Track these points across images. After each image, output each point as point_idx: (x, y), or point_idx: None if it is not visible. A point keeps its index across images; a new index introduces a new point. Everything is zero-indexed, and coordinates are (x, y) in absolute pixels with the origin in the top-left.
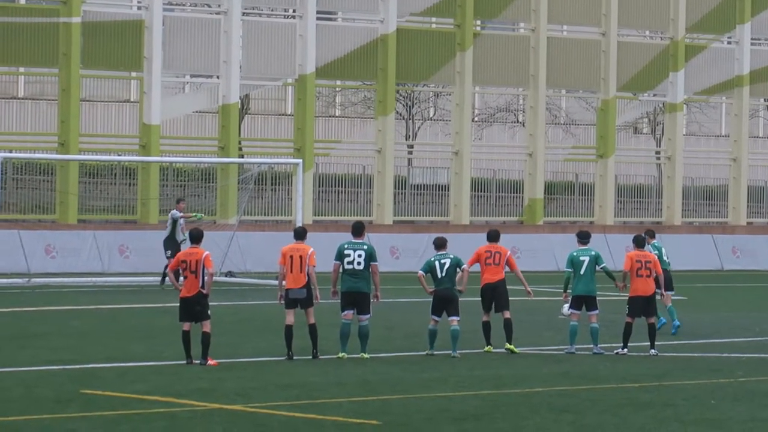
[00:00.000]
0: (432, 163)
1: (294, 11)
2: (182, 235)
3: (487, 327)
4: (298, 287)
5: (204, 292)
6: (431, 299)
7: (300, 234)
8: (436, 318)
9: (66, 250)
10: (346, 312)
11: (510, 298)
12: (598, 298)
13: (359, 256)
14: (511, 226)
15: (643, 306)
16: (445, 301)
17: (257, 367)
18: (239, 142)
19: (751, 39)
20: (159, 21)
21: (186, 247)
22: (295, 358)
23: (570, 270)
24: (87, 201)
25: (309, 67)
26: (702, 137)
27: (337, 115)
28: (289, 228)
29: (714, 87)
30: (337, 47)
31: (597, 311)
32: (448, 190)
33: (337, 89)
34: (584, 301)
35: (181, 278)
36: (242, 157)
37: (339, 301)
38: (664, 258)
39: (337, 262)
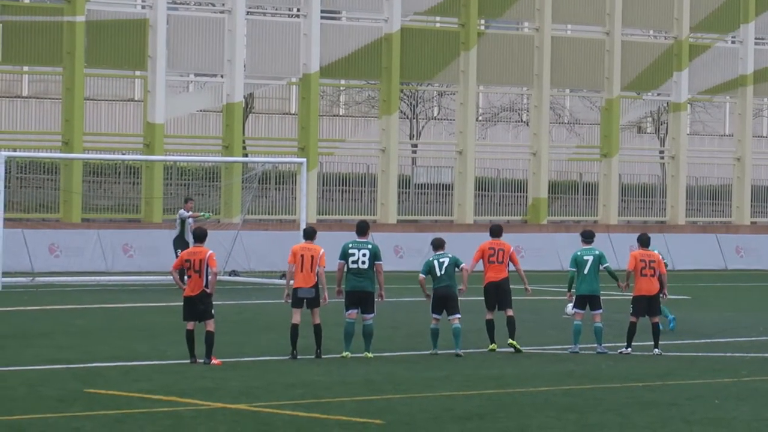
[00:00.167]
0: (436, 163)
1: (298, 10)
2: (191, 235)
3: (490, 325)
4: (307, 286)
5: (208, 291)
6: (432, 299)
7: (310, 234)
8: (437, 316)
9: (70, 249)
10: (350, 311)
11: (513, 297)
12: (601, 298)
13: (363, 255)
14: (515, 225)
15: (646, 305)
16: (444, 299)
17: (261, 366)
18: (243, 141)
19: (755, 38)
20: (163, 20)
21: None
22: (299, 357)
23: (574, 269)
24: (91, 200)
25: (313, 66)
26: (706, 137)
27: (341, 114)
28: (293, 227)
29: (718, 86)
30: (341, 46)
31: (601, 311)
32: (451, 190)
33: (341, 88)
34: (588, 301)
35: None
36: (246, 156)
37: (343, 300)
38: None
39: (342, 261)
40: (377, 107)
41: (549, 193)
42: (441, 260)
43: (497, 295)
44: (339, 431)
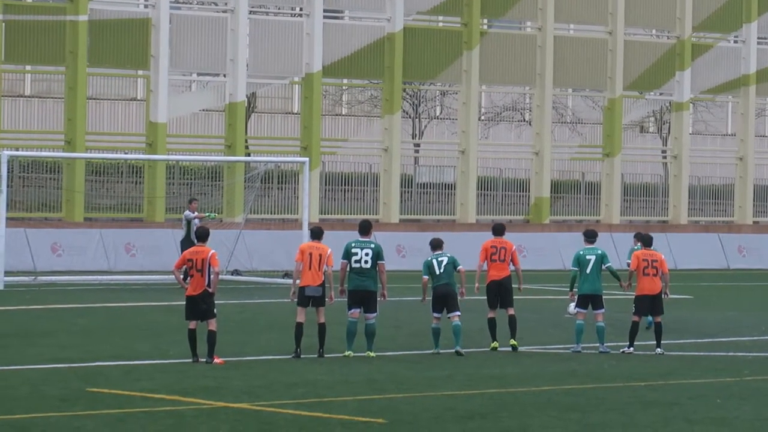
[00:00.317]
0: (438, 162)
1: (301, 10)
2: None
3: (492, 323)
4: (315, 285)
5: (210, 290)
6: (432, 298)
7: (317, 234)
8: (437, 315)
9: (72, 249)
10: (352, 310)
11: (514, 297)
12: (604, 297)
13: (366, 254)
14: (518, 224)
15: (649, 304)
16: (444, 297)
17: (263, 365)
18: (246, 141)
19: (758, 38)
20: (166, 19)
21: None
22: (302, 356)
23: (576, 269)
24: (93, 199)
25: (316, 66)
26: (708, 136)
27: (343, 113)
28: (296, 227)
29: (720, 86)
30: (343, 46)
31: (603, 310)
32: (454, 189)
33: (344, 88)
34: (590, 300)
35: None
36: (249, 155)
37: (346, 299)
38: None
39: (345, 260)
40: (380, 107)
41: (551, 192)
42: (440, 260)
43: (499, 293)
44: (341, 430)
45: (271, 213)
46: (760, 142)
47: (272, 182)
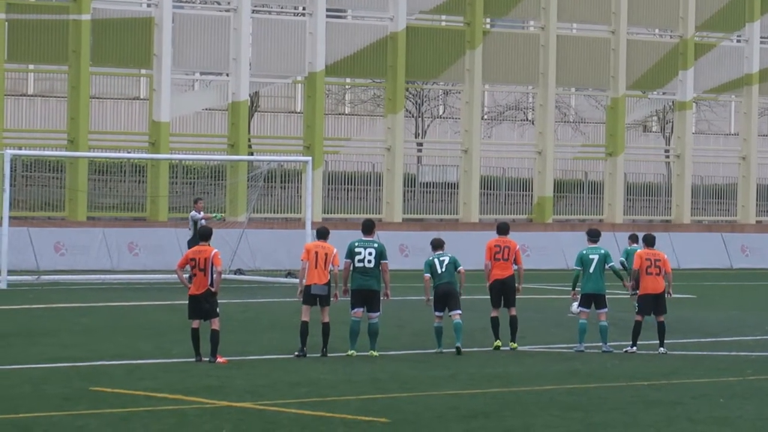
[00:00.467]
0: (441, 161)
1: (304, 9)
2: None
3: (495, 322)
4: (321, 283)
5: (213, 289)
6: (434, 297)
7: (323, 233)
8: (439, 314)
9: (75, 248)
10: (356, 310)
11: (516, 296)
12: (607, 297)
13: (370, 254)
14: (521, 224)
15: (652, 304)
16: (446, 296)
17: (266, 364)
18: (249, 140)
19: (761, 37)
20: (169, 18)
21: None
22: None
23: (579, 268)
24: (96, 198)
25: (318, 65)
26: (711, 135)
27: (346, 112)
28: (299, 226)
29: (723, 85)
30: (346, 45)
31: (606, 309)
32: (457, 188)
33: (347, 87)
34: (593, 300)
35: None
36: (252, 154)
37: (349, 298)
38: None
39: (348, 260)
40: (383, 106)
41: (554, 191)
42: (441, 259)
43: (503, 292)
44: (344, 430)
45: (274, 212)
46: (763, 142)
47: (275, 181)
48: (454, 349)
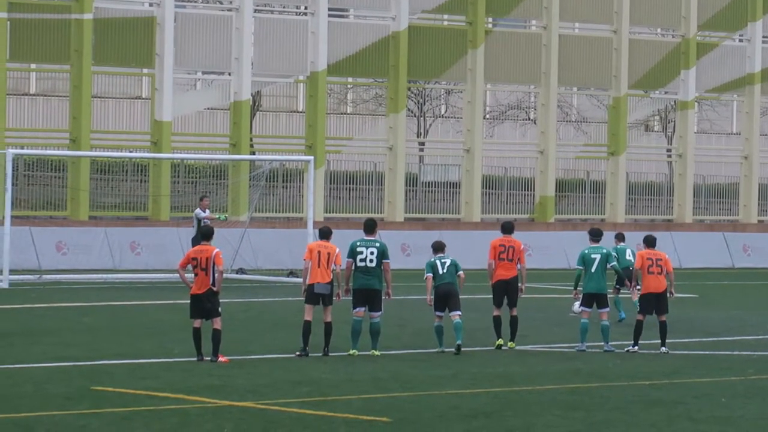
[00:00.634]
0: (443, 161)
1: (306, 8)
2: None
3: (497, 321)
4: (324, 282)
5: (214, 289)
6: (434, 297)
7: (326, 233)
8: (440, 314)
9: (77, 247)
10: (357, 309)
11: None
12: (608, 296)
13: (372, 253)
14: (522, 223)
15: (654, 303)
16: (446, 296)
17: (268, 364)
18: (251, 139)
19: (763, 37)
20: (171, 18)
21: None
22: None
23: (581, 267)
24: (98, 198)
25: (321, 64)
26: (713, 135)
27: (348, 112)
28: (301, 225)
29: (725, 85)
30: (348, 44)
31: (608, 309)
32: (459, 188)
33: (349, 86)
34: (595, 299)
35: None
36: (254, 154)
37: (351, 298)
38: (627, 258)
39: (350, 259)
40: (384, 105)
41: (556, 191)
42: (443, 261)
43: (506, 292)
44: (346, 429)
45: (275, 211)
46: (765, 141)
47: (277, 181)
48: (454, 348)
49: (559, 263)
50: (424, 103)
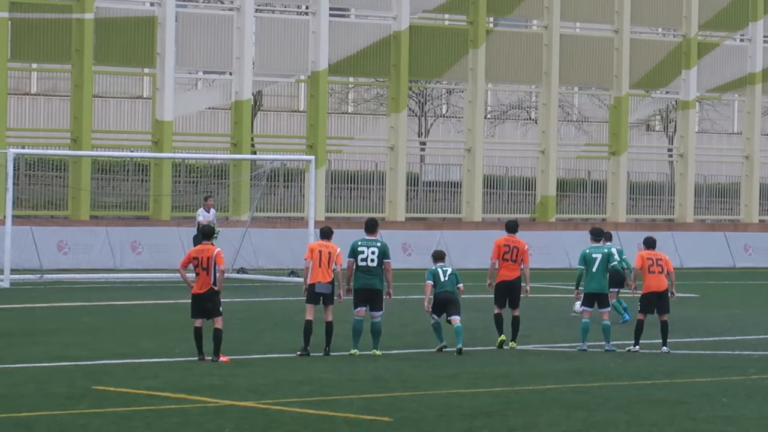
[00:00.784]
0: (444, 160)
1: (307, 8)
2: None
3: (499, 319)
4: (325, 282)
5: (216, 288)
6: (433, 302)
7: (327, 233)
8: (436, 317)
9: (78, 247)
10: (358, 309)
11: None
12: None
13: (373, 253)
14: (524, 223)
15: (655, 302)
16: (446, 302)
17: (269, 363)
18: (252, 139)
19: (764, 36)
20: (172, 17)
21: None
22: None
23: (582, 267)
24: (99, 197)
25: (322, 64)
26: (714, 135)
27: (349, 111)
28: (302, 225)
29: (727, 84)
30: (349, 44)
31: (609, 309)
32: (460, 187)
33: (350, 86)
34: (596, 299)
35: (193, 274)
36: (255, 153)
37: (352, 297)
38: (615, 258)
39: (351, 259)
40: (386, 105)
41: (557, 190)
42: (444, 269)
43: (508, 293)
44: (347, 428)
45: (277, 211)
46: (766, 141)
47: (278, 180)
48: (455, 351)
49: (560, 263)
50: (425, 103)
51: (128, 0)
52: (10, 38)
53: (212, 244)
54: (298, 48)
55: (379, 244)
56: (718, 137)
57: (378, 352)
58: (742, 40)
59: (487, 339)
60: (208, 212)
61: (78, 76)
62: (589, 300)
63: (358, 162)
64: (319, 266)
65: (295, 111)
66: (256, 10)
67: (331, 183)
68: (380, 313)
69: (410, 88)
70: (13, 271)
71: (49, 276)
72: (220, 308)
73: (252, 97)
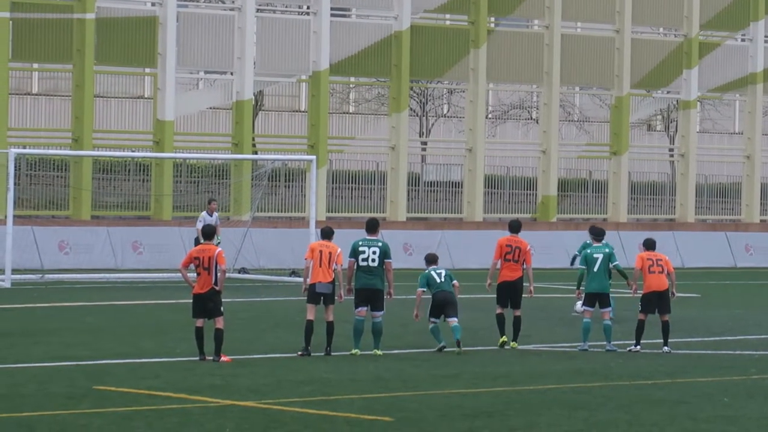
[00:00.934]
0: (445, 160)
1: (308, 8)
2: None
3: (501, 319)
4: (326, 281)
5: (217, 288)
6: (431, 303)
7: (328, 233)
8: (435, 320)
9: (79, 246)
10: (359, 309)
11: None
12: (611, 295)
13: (374, 253)
14: (525, 223)
15: (656, 302)
16: (444, 303)
17: (270, 363)
18: (253, 139)
19: (765, 36)
20: (173, 17)
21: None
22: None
23: (583, 267)
24: (100, 197)
25: (323, 64)
26: (715, 134)
27: (350, 111)
28: (303, 225)
29: (728, 84)
30: (351, 44)
31: (610, 308)
32: (461, 187)
33: (351, 86)
34: (597, 299)
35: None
36: (256, 153)
37: (353, 297)
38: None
39: (352, 259)
40: (387, 105)
41: (558, 190)
42: (438, 271)
43: (510, 294)
44: (348, 428)
45: (278, 211)
46: (767, 141)
47: (279, 180)
48: (454, 346)
49: (561, 263)
50: (427, 103)
51: (129, 0)
52: (12, 38)
53: (214, 243)
54: (299, 48)
55: (380, 244)
56: (720, 137)
57: (379, 352)
58: (743, 40)
59: (488, 339)
60: (211, 216)
61: (79, 75)
62: (590, 300)
63: (360, 162)
64: (320, 266)
65: (297, 111)
66: (257, 10)
67: (332, 183)
68: (381, 313)
69: (411, 88)
70: (15, 271)
71: (51, 276)
72: (221, 308)
73: (253, 97)
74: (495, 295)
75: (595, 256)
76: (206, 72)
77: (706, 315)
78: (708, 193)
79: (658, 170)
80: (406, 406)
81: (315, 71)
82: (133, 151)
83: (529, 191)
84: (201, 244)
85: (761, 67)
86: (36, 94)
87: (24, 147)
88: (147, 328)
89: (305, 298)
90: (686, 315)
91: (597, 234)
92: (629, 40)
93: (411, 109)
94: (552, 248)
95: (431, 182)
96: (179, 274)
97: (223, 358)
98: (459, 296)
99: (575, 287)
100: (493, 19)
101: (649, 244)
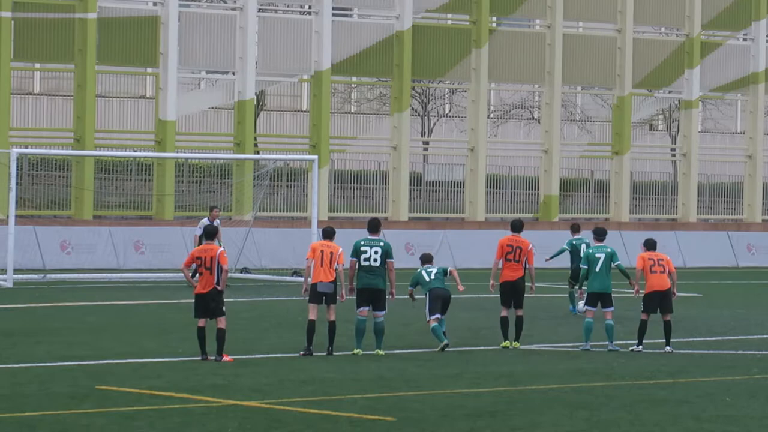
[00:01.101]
0: (447, 160)
1: (310, 7)
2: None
3: (505, 322)
4: (327, 281)
5: (219, 288)
6: (428, 301)
7: (329, 233)
8: (436, 316)
9: (81, 246)
10: (361, 308)
11: (526, 295)
12: (613, 295)
13: (375, 252)
14: (526, 222)
15: (658, 301)
16: (441, 299)
17: (272, 363)
18: (255, 139)
19: (767, 36)
20: (175, 17)
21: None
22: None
23: (585, 267)
24: (102, 197)
25: (325, 64)
26: (717, 134)
27: (352, 111)
28: (305, 224)
29: (729, 84)
30: (352, 43)
31: (612, 308)
32: (463, 187)
33: (353, 85)
34: (599, 298)
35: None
36: (258, 153)
37: (355, 297)
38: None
39: (354, 258)
40: (389, 104)
41: (560, 190)
42: (428, 270)
43: (512, 294)
44: (350, 428)
45: (280, 211)
46: None
47: (281, 180)
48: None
49: (563, 262)
50: (428, 103)
51: (131, 0)
52: (14, 38)
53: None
54: (301, 48)
55: (382, 244)
56: (721, 137)
57: (381, 352)
58: (745, 40)
59: (490, 339)
60: (212, 223)
61: (81, 75)
62: (592, 299)
63: (361, 162)
64: (321, 266)
65: (298, 111)
66: (259, 10)
67: (334, 183)
68: (383, 312)
69: (413, 88)
70: (17, 270)
71: (52, 276)
72: (224, 308)
73: (255, 97)
74: (498, 296)
75: (597, 255)
76: (208, 72)
77: (708, 315)
78: (710, 192)
79: (660, 170)
80: (408, 405)
81: (317, 71)
82: (135, 151)
83: (531, 191)
84: (203, 244)
85: (763, 67)
86: (38, 94)
87: (26, 147)
88: (149, 327)
89: (307, 298)
90: (688, 315)
91: (599, 234)
92: (631, 39)
93: (413, 108)
94: (554, 248)
95: (433, 182)
96: (181, 274)
97: (225, 358)
98: (462, 296)
99: (578, 287)
100: (494, 18)
101: (650, 244)
